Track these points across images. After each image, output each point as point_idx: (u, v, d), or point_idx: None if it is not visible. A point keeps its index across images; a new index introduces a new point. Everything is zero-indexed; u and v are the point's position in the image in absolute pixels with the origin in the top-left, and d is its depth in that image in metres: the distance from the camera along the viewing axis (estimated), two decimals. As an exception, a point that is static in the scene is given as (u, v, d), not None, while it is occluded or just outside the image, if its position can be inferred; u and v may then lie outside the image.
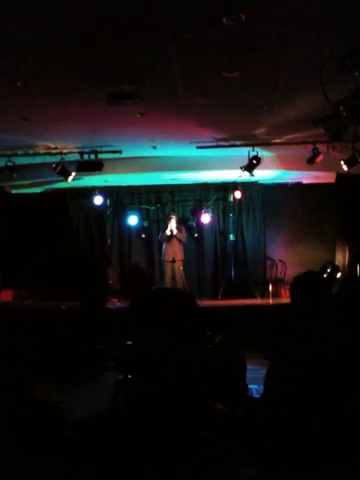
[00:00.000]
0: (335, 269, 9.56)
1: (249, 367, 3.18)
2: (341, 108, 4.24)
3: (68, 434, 1.38)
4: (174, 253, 9.82)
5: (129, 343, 3.58)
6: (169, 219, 9.90)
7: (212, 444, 1.22)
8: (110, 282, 10.87)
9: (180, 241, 9.90)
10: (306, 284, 2.67)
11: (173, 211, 10.22)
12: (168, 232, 9.80)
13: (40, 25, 3.86)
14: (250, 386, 3.48)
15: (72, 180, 8.38)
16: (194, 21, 3.86)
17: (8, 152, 7.93)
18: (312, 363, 2.23)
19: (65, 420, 1.44)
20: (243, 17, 3.73)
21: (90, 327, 4.19)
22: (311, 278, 2.73)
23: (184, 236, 9.98)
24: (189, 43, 4.27)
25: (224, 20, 3.77)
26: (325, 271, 9.47)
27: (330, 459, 1.89)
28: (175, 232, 9.79)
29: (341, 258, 9.96)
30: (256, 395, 3.51)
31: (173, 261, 9.82)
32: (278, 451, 1.92)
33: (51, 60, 4.57)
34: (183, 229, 10.03)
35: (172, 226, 9.81)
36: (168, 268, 9.92)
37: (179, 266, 9.85)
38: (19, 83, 5.01)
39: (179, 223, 10.03)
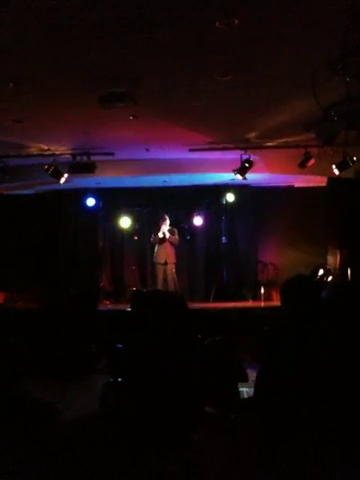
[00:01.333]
0: (326, 272, 9.60)
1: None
2: (332, 113, 4.27)
3: (58, 434, 1.39)
4: (166, 255, 9.82)
5: (119, 346, 3.58)
6: (162, 221, 9.90)
7: (202, 446, 1.23)
8: (101, 284, 10.85)
9: (172, 244, 9.89)
10: (296, 287, 2.68)
11: (166, 213, 10.23)
12: (160, 234, 9.79)
13: (33, 26, 3.85)
14: (241, 388, 3.49)
15: (64, 182, 8.36)
16: (187, 24, 3.87)
17: (0, 153, 7.90)
18: (302, 366, 2.24)
19: (55, 419, 1.44)
20: (236, 21, 3.76)
21: (81, 328, 4.17)
22: (301, 282, 2.75)
23: (176, 239, 9.97)
24: (182, 46, 4.29)
25: (217, 24, 3.80)
26: (316, 274, 9.51)
27: (321, 460, 1.90)
28: (167, 235, 9.79)
29: (332, 261, 10.00)
30: (246, 397, 3.52)
31: (165, 263, 9.81)
32: (268, 452, 1.93)
33: (43, 61, 4.57)
34: (175, 232, 10.02)
35: (164, 228, 9.81)
36: (160, 270, 9.91)
37: (171, 269, 9.85)
38: (11, 84, 5.00)
39: (172, 225, 10.03)
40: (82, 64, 4.70)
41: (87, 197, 10.38)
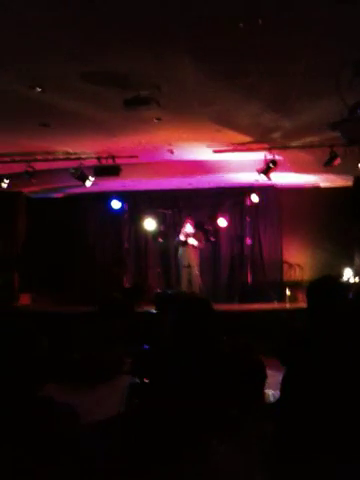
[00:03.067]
0: (354, 273, 9.45)
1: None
2: (358, 111, 4.21)
3: (81, 436, 1.40)
4: (189, 258, 9.84)
5: (145, 347, 3.59)
6: (184, 224, 9.93)
7: (225, 448, 1.23)
8: (126, 286, 10.93)
9: (195, 246, 9.89)
10: (322, 289, 2.65)
11: (189, 216, 10.23)
12: (182, 237, 9.81)
13: (58, 29, 3.91)
14: (266, 391, 3.46)
15: (90, 185, 8.46)
16: (210, 28, 3.87)
17: (27, 157, 8.05)
18: (328, 369, 2.21)
19: (79, 422, 1.45)
20: (260, 21, 3.74)
21: (105, 331, 4.21)
22: (327, 282, 2.71)
23: (202, 243, 9.96)
24: (204, 49, 4.30)
25: (241, 25, 3.78)
26: (343, 275, 9.37)
27: (346, 465, 1.87)
28: (190, 238, 9.78)
29: (359, 262, 9.85)
30: (272, 400, 3.49)
31: (189, 266, 9.84)
32: (293, 457, 1.91)
33: (67, 65, 4.64)
34: (200, 235, 10.01)
35: (187, 230, 9.82)
36: (184, 272, 9.93)
37: (195, 271, 9.86)
38: (38, 89, 5.09)
39: (196, 228, 10.03)
40: (106, 68, 4.75)
41: (112, 200, 10.47)
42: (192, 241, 9.79)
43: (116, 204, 10.48)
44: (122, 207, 10.71)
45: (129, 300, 4.15)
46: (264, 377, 3.04)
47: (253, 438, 1.50)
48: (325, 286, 2.66)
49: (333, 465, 1.82)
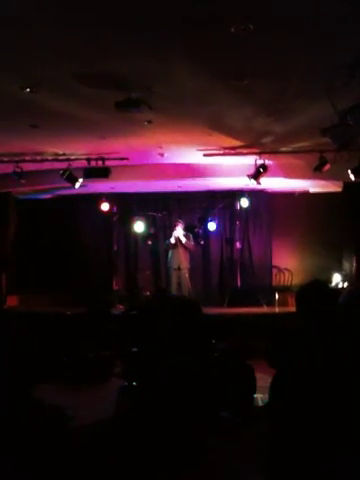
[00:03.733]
0: (342, 278, 9.51)
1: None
2: (348, 117, 4.24)
3: (71, 439, 1.38)
4: (179, 261, 9.83)
5: (134, 350, 3.57)
6: (174, 227, 9.92)
7: (218, 451, 1.22)
8: (116, 288, 10.88)
9: (186, 248, 9.89)
10: (312, 293, 2.66)
11: (179, 218, 10.23)
12: (172, 240, 9.81)
13: (49, 28, 3.89)
14: (255, 395, 3.45)
15: (79, 186, 8.42)
16: (203, 29, 3.88)
17: (16, 158, 7.99)
18: (317, 372, 2.21)
19: (68, 425, 1.44)
20: (251, 27, 3.75)
21: (95, 333, 4.18)
22: (317, 287, 2.72)
23: (192, 245, 9.97)
24: (198, 51, 4.30)
25: (232, 29, 3.80)
26: (331, 280, 9.42)
27: (336, 467, 1.87)
28: (183, 240, 9.78)
29: (348, 267, 9.91)
30: (261, 404, 3.48)
31: (179, 269, 9.82)
32: (284, 460, 1.91)
33: (59, 66, 4.61)
34: (190, 237, 10.02)
35: (178, 233, 9.82)
36: (174, 275, 9.92)
37: (185, 274, 9.85)
38: (27, 90, 5.05)
39: (186, 230, 10.03)
40: (98, 69, 4.73)
41: (101, 202, 10.43)
42: (183, 238, 9.77)
43: (105, 206, 10.44)
44: (111, 209, 10.67)
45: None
46: (253, 381, 3.03)
47: (248, 440, 1.49)
48: (314, 291, 2.68)
49: (328, 466, 1.82)
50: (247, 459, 1.25)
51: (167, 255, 10.18)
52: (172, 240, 9.80)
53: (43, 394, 1.47)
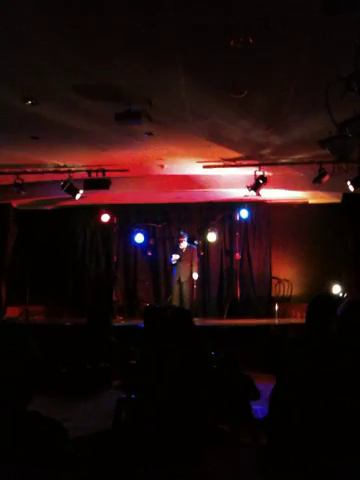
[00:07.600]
0: (341, 289, 9.49)
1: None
2: (347, 129, 4.27)
3: (69, 451, 1.38)
4: (180, 274, 9.87)
5: (133, 362, 3.57)
6: (179, 240, 9.96)
7: (215, 462, 1.22)
8: (115, 299, 10.86)
9: (188, 261, 9.91)
10: (324, 304, 2.68)
11: (182, 231, 10.24)
12: (177, 256, 9.83)
13: (50, 42, 3.93)
14: (254, 407, 3.44)
15: (80, 198, 8.44)
16: (202, 43, 3.93)
17: (17, 169, 8.02)
18: (317, 382, 2.21)
19: (67, 437, 1.43)
20: (250, 40, 3.80)
21: (95, 345, 4.17)
22: (329, 299, 2.75)
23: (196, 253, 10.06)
24: (197, 64, 4.35)
25: (231, 42, 3.84)
26: (331, 291, 9.39)
27: (336, 477, 1.86)
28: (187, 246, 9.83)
29: (347, 278, 9.89)
30: (260, 416, 3.47)
31: (180, 282, 9.88)
32: (283, 471, 1.90)
33: (60, 79, 4.66)
34: (195, 248, 10.07)
35: (183, 246, 9.88)
36: (175, 287, 9.96)
37: (186, 287, 9.89)
38: (29, 102, 5.09)
39: (189, 242, 10.07)
40: (98, 82, 4.78)
41: (102, 213, 10.45)
42: (191, 246, 9.80)
43: (105, 217, 10.46)
44: (112, 220, 10.69)
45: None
46: (252, 392, 3.03)
47: (247, 452, 1.48)
48: (327, 302, 2.70)
49: (328, 476, 1.81)
50: (245, 472, 1.25)
51: (166, 266, 10.18)
52: (177, 257, 9.84)
53: (40, 406, 1.47)
